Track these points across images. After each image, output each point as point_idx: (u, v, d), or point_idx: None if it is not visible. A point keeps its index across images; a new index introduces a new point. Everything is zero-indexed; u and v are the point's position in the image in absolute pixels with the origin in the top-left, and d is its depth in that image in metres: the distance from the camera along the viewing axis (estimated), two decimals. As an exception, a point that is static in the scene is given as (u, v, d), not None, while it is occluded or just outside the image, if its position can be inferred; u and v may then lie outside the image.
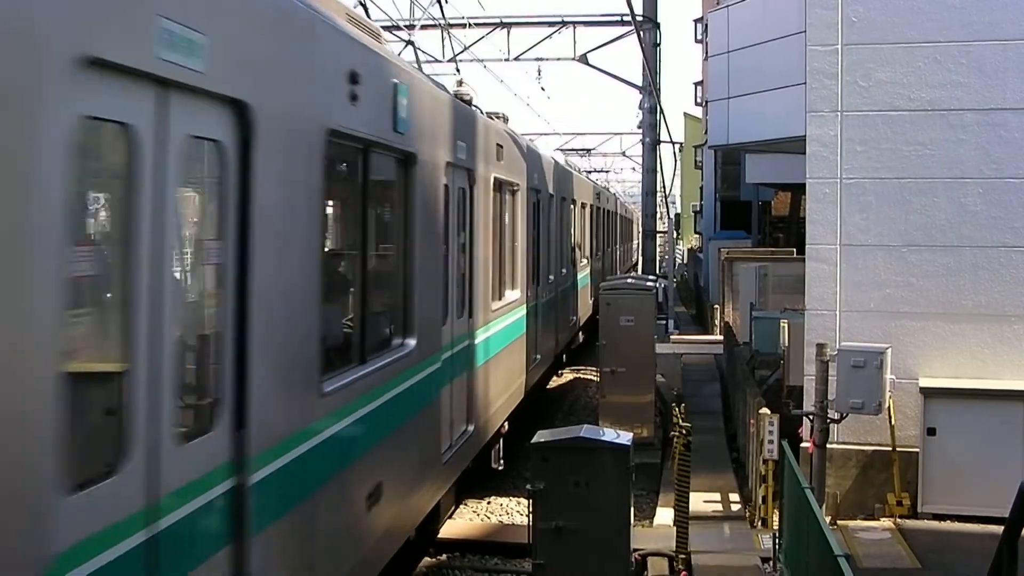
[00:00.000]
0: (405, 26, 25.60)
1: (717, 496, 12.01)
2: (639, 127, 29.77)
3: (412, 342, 8.07)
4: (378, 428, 7.11)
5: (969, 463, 10.45)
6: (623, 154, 59.55)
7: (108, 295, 4.17)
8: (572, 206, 21.05)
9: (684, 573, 9.43)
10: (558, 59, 28.01)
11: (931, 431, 10.61)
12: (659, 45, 24.73)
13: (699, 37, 43.30)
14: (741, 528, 10.94)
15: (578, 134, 52.25)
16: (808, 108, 11.30)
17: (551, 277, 17.32)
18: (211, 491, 4.59)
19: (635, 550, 8.86)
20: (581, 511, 8.10)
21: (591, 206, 25.91)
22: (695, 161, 50.75)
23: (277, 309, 5.28)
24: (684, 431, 9.84)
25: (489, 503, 12.78)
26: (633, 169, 60.43)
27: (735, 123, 21.44)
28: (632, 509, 8.49)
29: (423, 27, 25.95)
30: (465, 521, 11.95)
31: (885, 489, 10.86)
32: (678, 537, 9.65)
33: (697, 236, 53.75)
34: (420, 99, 8.24)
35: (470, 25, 26.48)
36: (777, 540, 9.38)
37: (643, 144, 25.26)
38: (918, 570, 9.28)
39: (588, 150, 49.45)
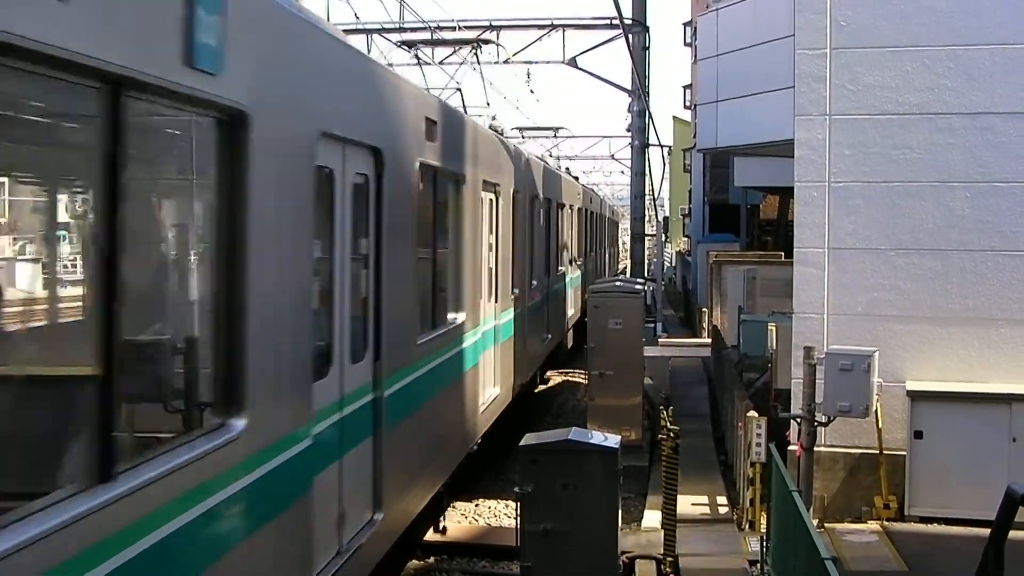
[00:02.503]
0: (395, 28, 25.61)
1: (705, 499, 12.01)
2: (628, 130, 29.81)
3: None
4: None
5: (956, 466, 10.49)
6: (612, 157, 59.54)
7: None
8: (559, 209, 21.02)
9: (672, 576, 9.44)
10: (547, 62, 27.98)
11: (918, 434, 10.64)
12: (648, 48, 24.74)
13: (688, 40, 43.45)
14: (729, 531, 10.94)
15: (567, 136, 52.19)
16: (796, 112, 11.33)
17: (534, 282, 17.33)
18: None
19: (623, 553, 8.86)
20: (569, 514, 8.10)
21: (579, 209, 25.88)
22: (684, 164, 50.83)
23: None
24: (672, 434, 9.85)
25: (477, 505, 12.76)
26: (622, 172, 60.43)
27: (724, 126, 21.47)
28: (620, 512, 8.49)
29: (412, 30, 25.92)
30: (453, 523, 11.91)
31: (872, 492, 10.89)
32: (666, 540, 9.65)
33: (685, 239, 53.82)
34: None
35: (459, 28, 26.45)
36: (764, 543, 9.39)
37: (632, 147, 25.29)
38: (905, 572, 9.31)
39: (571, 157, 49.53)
